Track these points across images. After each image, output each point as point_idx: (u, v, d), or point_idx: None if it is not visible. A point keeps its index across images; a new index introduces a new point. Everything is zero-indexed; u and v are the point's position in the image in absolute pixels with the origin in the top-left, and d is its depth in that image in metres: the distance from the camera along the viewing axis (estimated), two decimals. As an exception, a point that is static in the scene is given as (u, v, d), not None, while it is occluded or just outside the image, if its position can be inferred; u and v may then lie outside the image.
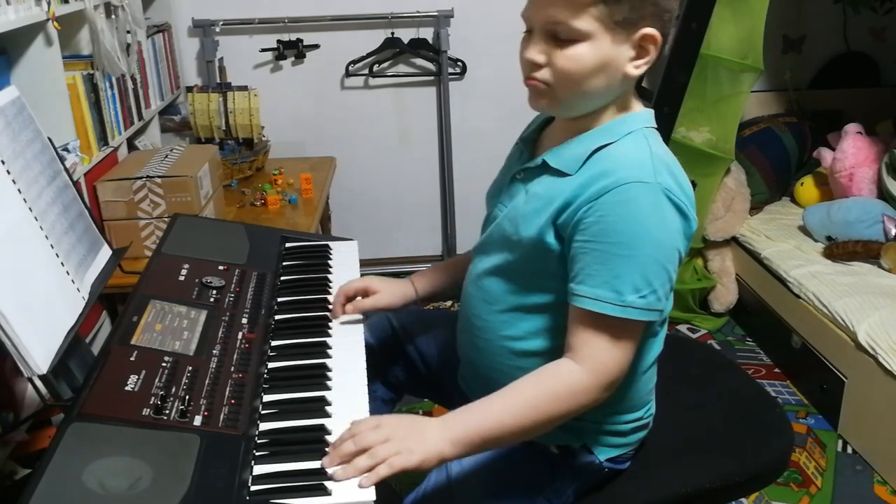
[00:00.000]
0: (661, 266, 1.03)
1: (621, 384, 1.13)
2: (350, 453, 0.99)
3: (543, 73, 1.08)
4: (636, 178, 1.03)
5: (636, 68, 1.07)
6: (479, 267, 1.23)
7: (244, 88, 2.84)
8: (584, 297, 1.04)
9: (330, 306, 1.38)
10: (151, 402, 1.03)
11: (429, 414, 2.35)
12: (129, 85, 2.46)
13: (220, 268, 1.41)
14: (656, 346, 1.19)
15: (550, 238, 1.09)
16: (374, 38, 3.05)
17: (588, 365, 1.05)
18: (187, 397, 1.06)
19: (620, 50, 1.05)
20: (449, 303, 3.04)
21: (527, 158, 1.19)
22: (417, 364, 1.49)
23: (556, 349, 1.10)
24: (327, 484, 0.96)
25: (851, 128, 2.87)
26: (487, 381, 1.18)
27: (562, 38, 1.05)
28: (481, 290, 1.22)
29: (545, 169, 1.12)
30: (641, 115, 1.12)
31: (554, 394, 1.05)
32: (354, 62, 3.10)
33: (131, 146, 2.57)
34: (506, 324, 1.18)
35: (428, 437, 1.02)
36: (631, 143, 1.08)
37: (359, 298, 1.38)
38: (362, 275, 1.49)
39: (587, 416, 1.15)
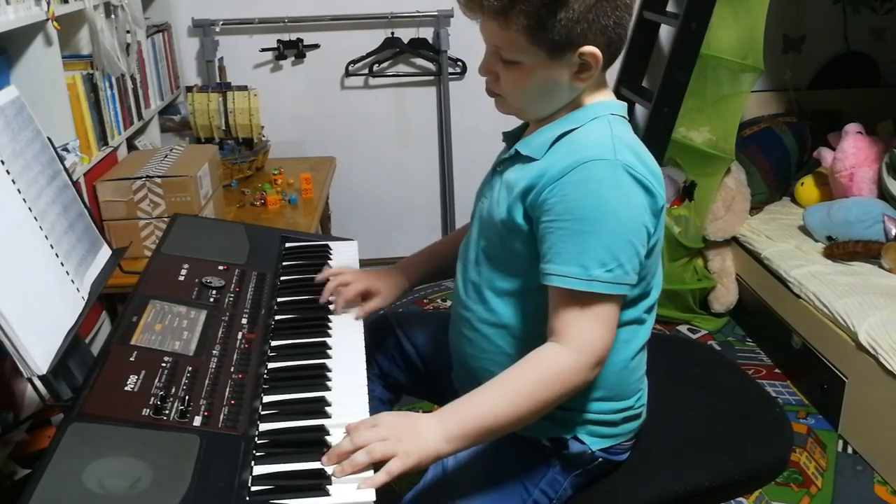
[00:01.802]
0: (627, 240, 1.05)
1: (607, 373, 1.14)
2: (347, 451, 0.99)
3: (495, 86, 1.15)
4: (596, 156, 1.05)
5: (581, 81, 1.10)
6: (464, 259, 1.27)
7: (244, 88, 2.84)
8: (552, 276, 1.06)
9: (331, 306, 1.38)
10: (151, 403, 1.03)
11: (429, 414, 2.35)
12: (129, 85, 2.46)
13: (220, 268, 1.41)
14: (642, 334, 1.20)
15: (520, 218, 1.12)
16: (374, 38, 3.05)
17: (571, 345, 1.06)
18: (187, 397, 1.06)
19: (560, 68, 1.08)
20: (449, 303, 3.04)
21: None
22: (416, 365, 1.49)
23: (540, 333, 1.11)
24: (327, 485, 0.96)
25: (851, 128, 2.86)
26: (477, 375, 1.20)
27: (504, 59, 1.10)
28: (466, 281, 1.25)
29: (518, 158, 1.16)
30: (608, 103, 1.15)
31: (543, 379, 1.06)
32: (354, 62, 3.10)
33: (131, 146, 2.57)
34: (491, 311, 1.20)
35: (424, 437, 1.02)
36: (594, 128, 1.11)
37: (360, 303, 1.37)
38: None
39: (575, 406, 1.16)
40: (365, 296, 1.38)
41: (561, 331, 1.07)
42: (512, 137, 1.24)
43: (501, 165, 1.20)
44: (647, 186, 1.07)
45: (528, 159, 1.13)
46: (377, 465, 0.99)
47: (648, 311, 1.19)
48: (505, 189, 1.15)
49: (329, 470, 0.98)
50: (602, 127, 1.11)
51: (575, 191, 1.05)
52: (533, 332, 1.14)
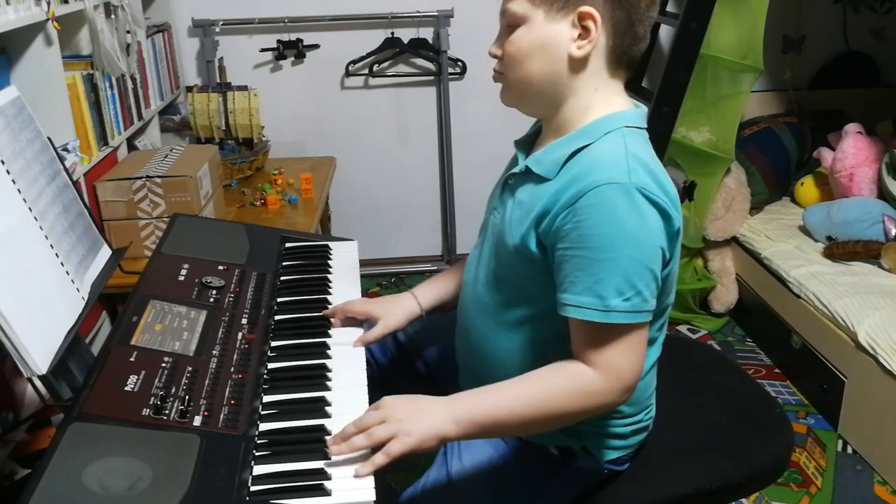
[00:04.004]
0: (644, 266, 1.02)
1: None
2: (349, 434, 0.99)
3: (499, 64, 1.13)
4: (610, 180, 1.01)
5: (579, 49, 1.07)
6: (473, 275, 1.23)
7: (244, 88, 2.84)
8: (569, 306, 1.03)
9: (330, 306, 1.38)
10: (151, 403, 1.03)
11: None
12: (129, 85, 2.46)
13: (220, 268, 1.41)
14: (654, 351, 1.18)
15: (533, 245, 1.09)
16: (374, 38, 3.05)
17: (599, 371, 1.04)
18: (187, 397, 1.06)
19: (558, 29, 1.07)
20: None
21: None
22: (418, 366, 1.49)
23: (553, 357, 1.09)
24: (327, 484, 0.96)
25: (851, 128, 2.86)
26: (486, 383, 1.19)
27: (511, 26, 1.09)
28: (477, 300, 1.22)
29: (529, 175, 1.12)
30: (624, 114, 1.11)
31: (567, 390, 1.04)
32: (354, 62, 3.10)
33: (131, 146, 2.57)
34: (502, 335, 1.18)
35: (427, 416, 1.01)
36: (607, 144, 1.07)
37: (364, 330, 1.34)
38: (362, 276, 1.49)
39: (586, 419, 1.15)
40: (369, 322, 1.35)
41: (587, 358, 1.04)
42: (523, 145, 1.21)
43: (512, 179, 1.17)
44: (662, 209, 1.03)
45: (541, 178, 1.09)
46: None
47: (660, 328, 1.17)
48: (517, 209, 1.12)
49: (329, 451, 0.99)
50: (616, 143, 1.06)
51: (589, 217, 1.01)
52: (545, 357, 1.11)
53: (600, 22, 1.05)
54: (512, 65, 1.11)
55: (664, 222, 1.04)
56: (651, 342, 1.15)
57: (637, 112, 1.12)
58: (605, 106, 1.10)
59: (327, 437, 1.01)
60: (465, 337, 1.26)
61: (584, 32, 1.06)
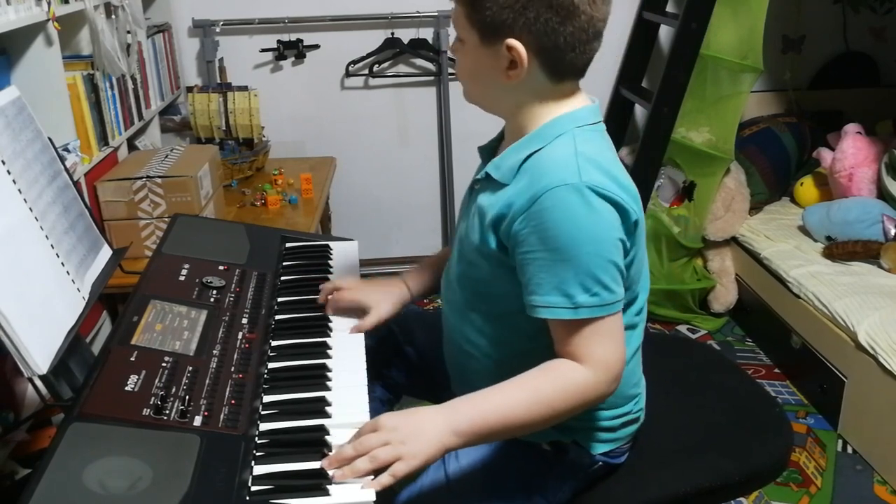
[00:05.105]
0: (605, 260, 1.04)
1: None
2: (349, 457, 0.98)
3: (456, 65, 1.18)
4: (561, 181, 1.03)
5: (509, 78, 1.08)
6: (446, 279, 1.27)
7: (244, 88, 2.84)
8: (538, 307, 1.05)
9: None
10: (151, 403, 1.04)
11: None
12: (130, 85, 2.46)
13: (221, 268, 1.41)
14: (635, 339, 1.19)
15: (493, 244, 1.11)
16: (374, 38, 3.05)
17: (586, 363, 1.05)
18: (187, 397, 1.06)
19: (490, 57, 1.08)
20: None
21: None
22: (415, 365, 1.49)
23: (526, 350, 1.11)
24: (327, 484, 0.96)
25: (851, 128, 2.87)
26: (475, 387, 1.19)
27: (458, 36, 1.12)
28: (451, 302, 1.25)
29: (490, 181, 1.14)
30: (575, 114, 1.11)
31: (562, 388, 1.05)
32: (354, 62, 3.10)
33: (131, 146, 2.57)
34: (475, 333, 1.20)
35: (429, 434, 1.01)
36: (557, 147, 1.08)
37: (358, 319, 1.35)
38: (362, 276, 1.49)
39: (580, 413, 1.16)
40: (362, 310, 1.36)
41: (570, 354, 1.06)
42: (486, 151, 1.24)
43: (477, 184, 1.19)
44: (617, 203, 1.04)
45: (500, 184, 1.11)
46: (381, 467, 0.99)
47: (638, 314, 1.18)
48: (478, 215, 1.14)
49: (330, 474, 0.98)
50: (566, 145, 1.07)
51: (545, 219, 1.03)
52: (519, 350, 1.14)
53: (525, 55, 1.05)
54: (460, 77, 1.18)
55: (620, 216, 1.05)
56: (631, 328, 1.17)
57: (590, 108, 1.13)
58: (555, 109, 1.11)
59: (324, 462, 0.99)
60: (448, 339, 1.29)
61: (513, 63, 1.07)
